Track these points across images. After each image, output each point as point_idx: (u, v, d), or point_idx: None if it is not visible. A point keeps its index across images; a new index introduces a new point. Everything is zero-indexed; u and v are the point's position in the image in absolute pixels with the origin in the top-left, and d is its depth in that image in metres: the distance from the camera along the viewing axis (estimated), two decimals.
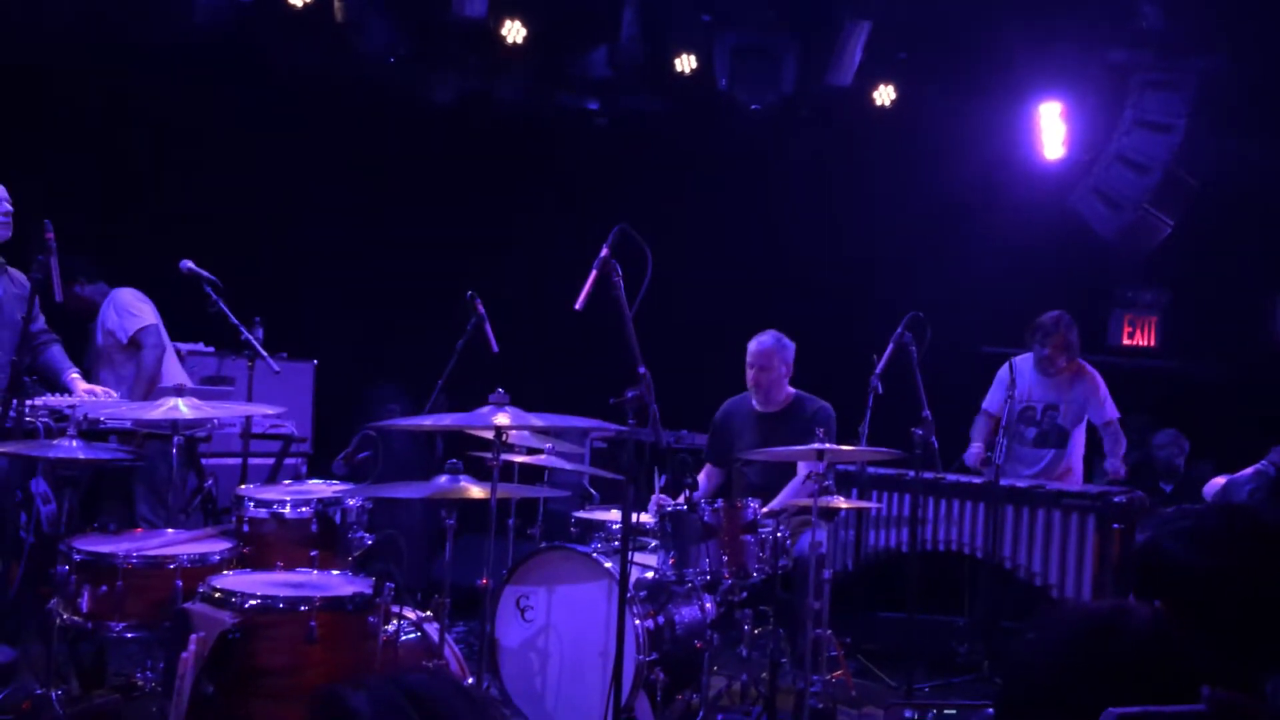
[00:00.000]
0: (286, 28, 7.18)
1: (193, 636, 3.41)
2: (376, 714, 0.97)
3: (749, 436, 5.70)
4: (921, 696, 5.40)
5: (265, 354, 5.35)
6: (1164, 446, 7.29)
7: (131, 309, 5.97)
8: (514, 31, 7.53)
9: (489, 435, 3.92)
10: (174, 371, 6.09)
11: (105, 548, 3.97)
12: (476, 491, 3.80)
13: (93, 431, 4.81)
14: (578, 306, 3.93)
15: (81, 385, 5.47)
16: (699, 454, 6.08)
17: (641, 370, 3.96)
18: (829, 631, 4.97)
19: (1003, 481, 5.59)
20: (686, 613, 4.78)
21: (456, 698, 1.01)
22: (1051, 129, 7.84)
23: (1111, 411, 6.15)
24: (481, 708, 1.03)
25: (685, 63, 7.85)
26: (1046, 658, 1.44)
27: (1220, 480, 4.76)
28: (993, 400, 6.31)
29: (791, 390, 5.76)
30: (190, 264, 5.46)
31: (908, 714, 4.84)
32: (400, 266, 7.83)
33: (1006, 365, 6.11)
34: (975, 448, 6.30)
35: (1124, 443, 6.24)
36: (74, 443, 4.23)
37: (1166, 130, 7.39)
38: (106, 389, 5.58)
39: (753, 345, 5.72)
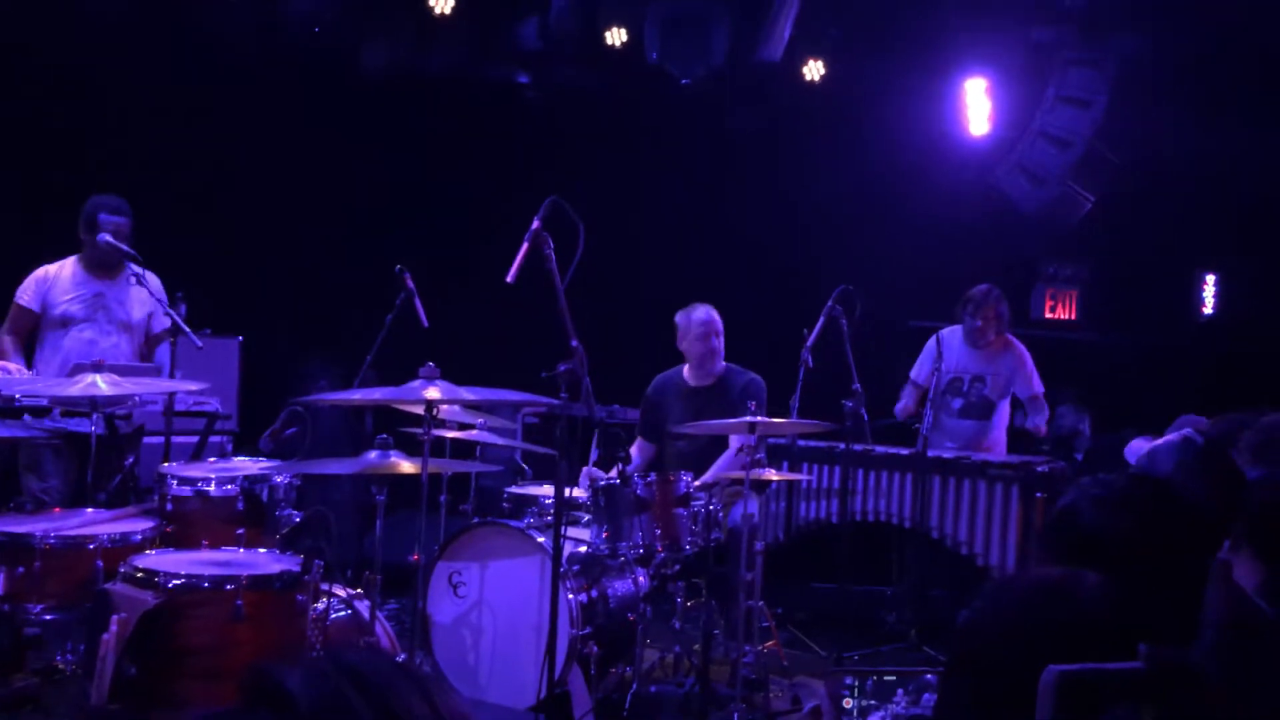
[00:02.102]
0: None
1: (114, 617, 3.33)
2: (311, 692, 0.94)
3: (680, 410, 5.70)
4: (851, 665, 5.48)
5: (188, 330, 5.22)
6: (1064, 416, 7.44)
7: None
8: (443, 1, 7.42)
9: (419, 410, 3.87)
10: None
11: (22, 528, 3.86)
12: (407, 466, 3.76)
13: (5, 408, 4.66)
14: (509, 279, 3.90)
15: None
16: (632, 428, 6.08)
17: (574, 344, 3.95)
18: (761, 603, 5.01)
19: (930, 453, 5.67)
20: (619, 586, 4.79)
21: (397, 675, 0.99)
22: (977, 105, 7.94)
23: (1037, 385, 6.24)
24: (423, 684, 1.01)
25: (616, 35, 7.80)
26: (997, 623, 1.45)
27: (1141, 444, 4.86)
28: (920, 371, 6.37)
29: (723, 363, 5.78)
30: (109, 237, 5.31)
31: (847, 680, 4.88)
32: (328, 240, 7.70)
33: (934, 337, 6.18)
34: (904, 404, 6.38)
35: (1046, 413, 6.36)
36: None
37: (1088, 106, 7.52)
38: (20, 367, 5.41)
39: (696, 316, 5.69)
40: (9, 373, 5.22)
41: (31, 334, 5.53)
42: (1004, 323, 6.23)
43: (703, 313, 5.70)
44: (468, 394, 3.81)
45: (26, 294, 5.51)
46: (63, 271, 5.54)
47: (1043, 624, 1.42)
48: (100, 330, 5.50)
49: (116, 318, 5.53)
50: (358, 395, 4.05)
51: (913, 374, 6.41)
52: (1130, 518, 1.88)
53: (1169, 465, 2.33)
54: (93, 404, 4.39)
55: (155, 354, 5.65)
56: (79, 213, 5.47)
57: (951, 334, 6.25)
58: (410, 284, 5.19)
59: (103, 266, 5.50)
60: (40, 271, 5.54)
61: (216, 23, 7.12)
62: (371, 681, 0.96)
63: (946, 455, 5.76)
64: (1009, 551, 5.46)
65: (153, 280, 5.36)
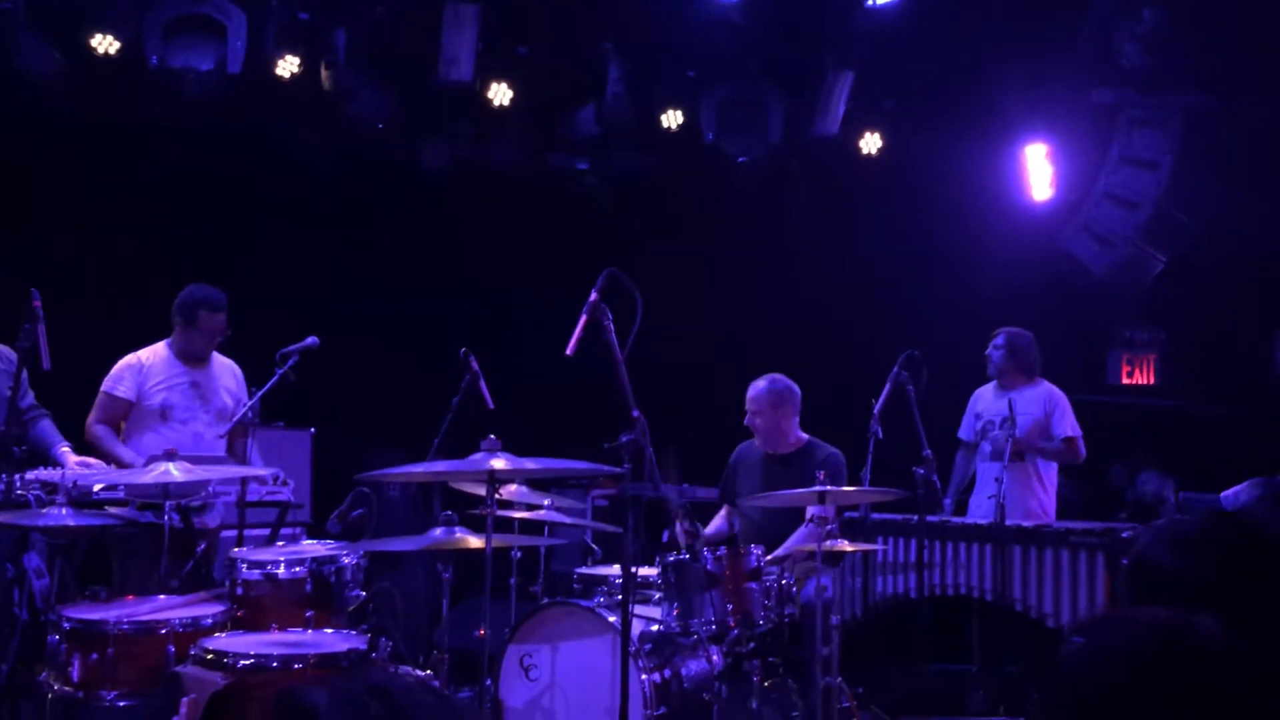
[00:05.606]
0: (275, 97, 7.24)
1: (184, 700, 3.33)
2: (335, 708, 0.92)
3: (755, 478, 5.63)
4: None
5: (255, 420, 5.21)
6: (1147, 482, 7.27)
7: None
8: (501, 94, 7.61)
9: (482, 486, 3.86)
10: None
11: (95, 615, 3.89)
12: (473, 542, 3.73)
13: (84, 500, 4.73)
14: (569, 351, 3.90)
15: (72, 458, 5.39)
16: (703, 506, 6.01)
17: (635, 414, 3.91)
18: (840, 679, 4.85)
19: (1007, 521, 5.52)
20: (693, 665, 4.68)
21: (423, 693, 0.96)
22: (1039, 170, 7.90)
23: (1071, 428, 6.17)
24: (449, 704, 0.97)
25: (672, 118, 7.92)
26: (1102, 670, 1.37)
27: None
28: (964, 428, 6.52)
29: (804, 436, 5.71)
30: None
31: None
32: (394, 329, 7.81)
33: (975, 395, 6.31)
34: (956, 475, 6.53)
35: (1080, 459, 6.22)
36: (64, 510, 4.17)
37: (1154, 167, 7.43)
38: (100, 463, 5.48)
39: (749, 393, 5.70)
40: (89, 467, 5.31)
41: (119, 424, 5.43)
42: (1021, 361, 6.26)
43: (753, 389, 5.66)
44: (530, 464, 3.79)
45: (122, 384, 5.37)
46: (155, 359, 5.41)
47: (1152, 672, 1.33)
48: (203, 422, 5.44)
49: (214, 407, 5.48)
50: (420, 469, 4.06)
51: (959, 433, 6.55)
52: (1212, 557, 1.80)
53: (1254, 497, 2.24)
54: (165, 491, 4.45)
55: (248, 453, 5.44)
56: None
57: (985, 387, 6.42)
58: (475, 366, 5.23)
59: (193, 356, 5.45)
60: (132, 359, 5.41)
61: (280, 123, 7.36)
62: (400, 703, 0.94)
63: (1026, 524, 5.60)
64: None
65: (238, 371, 5.49)
